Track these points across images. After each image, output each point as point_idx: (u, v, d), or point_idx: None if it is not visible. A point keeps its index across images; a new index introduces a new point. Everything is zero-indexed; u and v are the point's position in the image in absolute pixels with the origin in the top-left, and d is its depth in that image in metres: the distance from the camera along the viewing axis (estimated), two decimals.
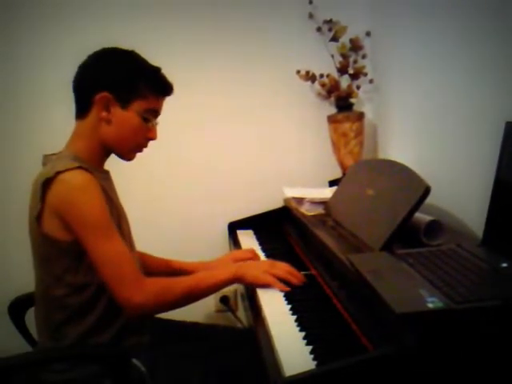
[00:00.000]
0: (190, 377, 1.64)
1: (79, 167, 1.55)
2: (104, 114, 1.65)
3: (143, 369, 1.60)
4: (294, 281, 1.69)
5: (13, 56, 2.62)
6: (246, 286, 1.77)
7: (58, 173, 1.53)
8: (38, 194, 1.56)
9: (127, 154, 1.74)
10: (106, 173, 1.78)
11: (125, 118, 1.67)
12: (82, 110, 1.68)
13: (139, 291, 1.55)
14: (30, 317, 1.78)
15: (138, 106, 1.67)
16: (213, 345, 1.80)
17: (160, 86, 1.72)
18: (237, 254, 2.06)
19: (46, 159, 1.69)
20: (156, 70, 1.72)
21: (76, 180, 1.54)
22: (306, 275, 1.76)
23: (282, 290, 1.66)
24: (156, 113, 1.73)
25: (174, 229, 2.74)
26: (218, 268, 1.79)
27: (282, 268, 1.72)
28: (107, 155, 1.75)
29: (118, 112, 1.66)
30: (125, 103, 1.66)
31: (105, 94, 1.63)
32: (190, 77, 2.63)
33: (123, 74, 1.67)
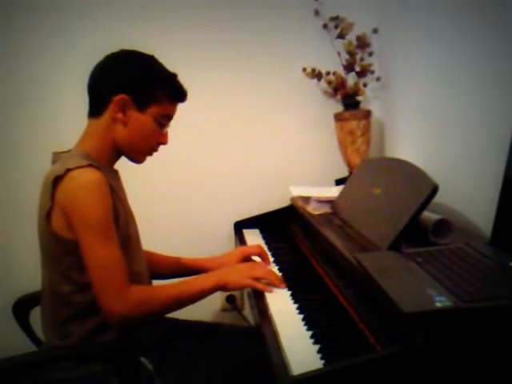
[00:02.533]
0: (196, 375, 1.64)
1: (90, 165, 1.56)
2: (120, 115, 1.66)
3: (150, 366, 1.60)
4: (274, 281, 1.73)
5: (24, 55, 2.63)
6: (230, 291, 1.80)
7: (69, 170, 1.54)
8: (48, 191, 1.57)
9: (138, 157, 1.76)
10: (115, 172, 1.79)
11: (140, 121, 1.68)
12: (96, 109, 1.69)
13: (122, 301, 1.55)
14: (34, 316, 1.78)
15: (154, 110, 1.68)
16: (219, 343, 1.80)
17: (176, 93, 1.74)
18: (245, 249, 2.05)
19: (56, 157, 1.70)
20: (173, 77, 1.74)
21: (85, 178, 1.54)
22: None
23: (263, 290, 1.70)
24: (170, 118, 1.75)
25: (180, 228, 2.75)
26: (201, 276, 1.79)
27: (261, 270, 1.77)
28: (117, 156, 1.75)
29: (134, 115, 1.67)
30: (142, 107, 1.67)
31: (123, 96, 1.64)
32: (197, 77, 2.60)
33: (143, 78, 1.68)
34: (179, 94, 1.74)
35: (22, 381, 1.52)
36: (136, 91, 1.66)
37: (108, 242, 1.55)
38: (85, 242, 1.53)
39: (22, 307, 1.85)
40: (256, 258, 1.98)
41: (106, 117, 1.67)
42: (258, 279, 1.72)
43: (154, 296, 1.64)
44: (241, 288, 1.77)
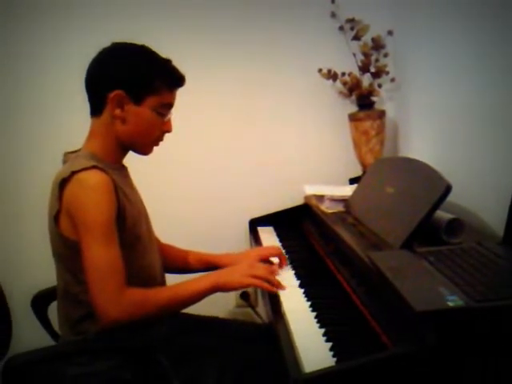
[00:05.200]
0: (209, 371, 1.64)
1: (94, 166, 1.56)
2: (118, 111, 1.65)
3: (165, 362, 1.61)
4: (276, 281, 1.69)
5: (32, 57, 2.67)
6: (229, 291, 1.73)
7: (74, 172, 1.54)
8: (55, 194, 1.58)
9: (144, 150, 1.75)
10: (123, 169, 1.79)
11: (139, 114, 1.66)
12: (96, 109, 1.69)
13: (114, 304, 1.52)
14: (53, 310, 1.80)
15: (151, 101, 1.66)
16: (232, 339, 1.80)
17: (172, 79, 1.70)
18: (262, 250, 2.03)
19: (66, 157, 1.70)
20: (167, 63, 1.70)
21: (89, 180, 1.54)
22: None
23: (268, 290, 1.67)
24: (170, 106, 1.73)
25: (196, 225, 2.77)
26: (199, 278, 1.73)
27: (262, 269, 1.72)
28: (124, 151, 1.75)
29: (131, 109, 1.65)
30: (138, 100, 1.65)
31: (118, 92, 1.63)
32: (216, 77, 2.67)
33: (135, 71, 1.66)
34: (175, 80, 1.71)
35: (39, 375, 1.54)
36: (130, 85, 1.64)
37: (107, 244, 1.54)
38: (84, 244, 1.53)
39: (40, 301, 1.87)
40: (274, 260, 1.94)
41: (105, 115, 1.66)
42: (259, 278, 1.67)
43: (149, 299, 1.60)
44: (242, 287, 1.71)
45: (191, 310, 1.71)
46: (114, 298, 1.52)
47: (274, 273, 1.72)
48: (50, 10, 2.62)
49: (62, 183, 1.56)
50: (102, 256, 1.52)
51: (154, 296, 1.62)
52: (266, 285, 1.67)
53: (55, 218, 1.58)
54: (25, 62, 2.66)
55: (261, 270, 1.71)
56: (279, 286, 1.69)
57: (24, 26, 2.63)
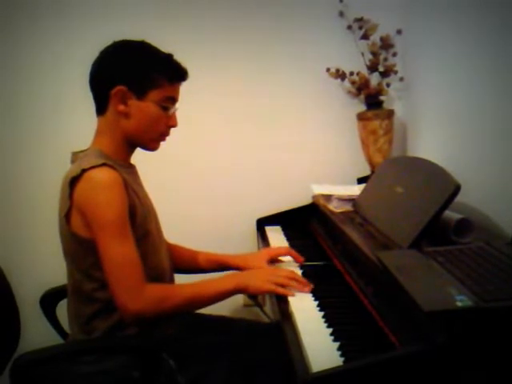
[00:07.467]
0: (216, 370, 1.64)
1: (104, 164, 1.56)
2: (121, 107, 1.65)
3: (171, 361, 1.61)
4: (298, 286, 1.65)
5: (38, 59, 2.68)
6: (250, 294, 1.74)
7: (84, 170, 1.55)
8: (66, 192, 1.58)
9: (150, 145, 1.74)
10: (132, 167, 1.79)
11: (142, 108, 1.66)
12: (100, 106, 1.70)
13: (136, 299, 1.54)
14: (62, 309, 1.81)
15: (154, 95, 1.66)
16: (239, 338, 1.80)
17: (173, 73, 1.70)
18: (271, 251, 2.01)
19: (75, 157, 1.71)
20: (168, 57, 1.71)
21: (100, 178, 1.55)
22: (321, 265, 1.81)
23: (285, 295, 1.64)
24: (174, 100, 1.72)
25: (203, 224, 2.78)
26: (220, 278, 1.73)
27: (284, 275, 1.68)
28: (132, 149, 1.76)
29: (134, 104, 1.65)
30: (140, 94, 1.65)
31: (119, 87, 1.63)
32: (221, 78, 2.67)
33: (135, 66, 1.67)
34: (176, 74, 1.71)
35: (47, 374, 1.54)
36: (131, 80, 1.65)
37: (123, 241, 1.55)
38: (100, 241, 1.54)
39: (49, 300, 1.88)
40: (287, 258, 1.94)
41: (110, 112, 1.67)
42: (279, 284, 1.65)
43: (170, 295, 1.61)
44: (262, 293, 1.72)
45: None
46: (135, 293, 1.54)
47: (295, 278, 1.68)
48: (50, 10, 2.63)
49: (72, 181, 1.56)
50: (118, 252, 1.54)
51: (175, 293, 1.63)
52: (282, 291, 1.64)
53: (66, 217, 1.59)
54: (24, 61, 2.67)
55: (282, 276, 1.68)
56: (303, 288, 1.66)
57: (24, 26, 2.64)
